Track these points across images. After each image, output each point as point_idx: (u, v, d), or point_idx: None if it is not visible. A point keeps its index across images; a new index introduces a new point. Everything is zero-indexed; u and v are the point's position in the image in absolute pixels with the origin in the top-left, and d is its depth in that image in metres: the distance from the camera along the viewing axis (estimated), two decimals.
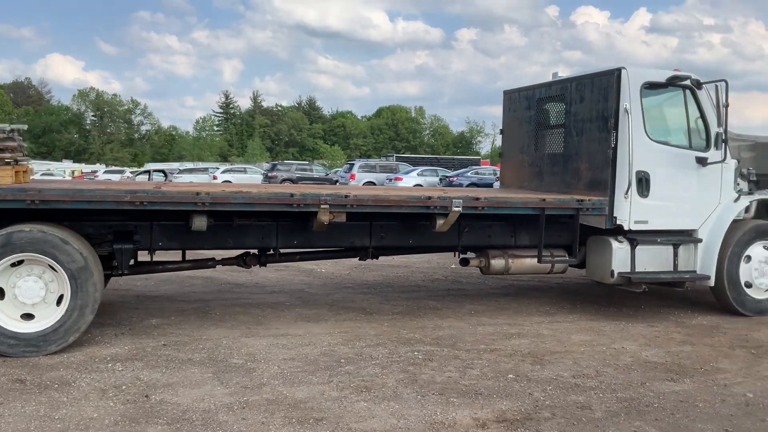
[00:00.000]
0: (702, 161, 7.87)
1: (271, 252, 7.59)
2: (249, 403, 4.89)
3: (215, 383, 5.32)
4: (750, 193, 8.41)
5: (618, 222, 7.68)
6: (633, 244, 7.76)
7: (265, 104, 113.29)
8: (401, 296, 8.95)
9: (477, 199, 7.11)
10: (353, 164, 36.66)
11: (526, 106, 9.20)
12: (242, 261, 7.57)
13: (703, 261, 7.97)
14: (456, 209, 6.99)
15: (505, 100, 9.75)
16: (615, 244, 7.74)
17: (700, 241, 7.96)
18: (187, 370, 5.61)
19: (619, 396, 5.25)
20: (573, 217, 7.65)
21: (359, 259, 8.01)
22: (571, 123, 8.27)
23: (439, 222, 7.15)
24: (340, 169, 43.98)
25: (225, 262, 7.57)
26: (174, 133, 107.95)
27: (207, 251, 7.61)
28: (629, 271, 7.76)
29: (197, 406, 4.82)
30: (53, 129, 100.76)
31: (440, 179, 32.54)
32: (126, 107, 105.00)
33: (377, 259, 8.16)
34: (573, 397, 5.22)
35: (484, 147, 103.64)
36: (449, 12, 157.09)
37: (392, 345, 6.52)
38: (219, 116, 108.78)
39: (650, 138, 7.77)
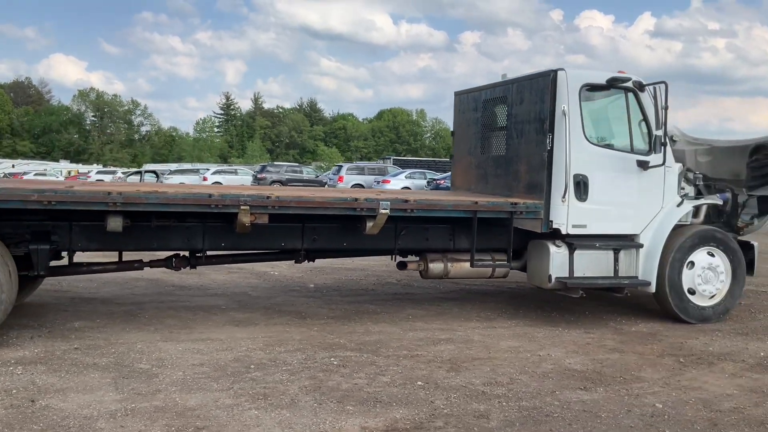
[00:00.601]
0: (643, 165, 7.71)
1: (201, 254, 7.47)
2: (135, 410, 4.76)
3: (110, 389, 5.18)
4: (696, 197, 8.26)
5: (555, 226, 7.54)
6: (571, 248, 7.60)
7: (266, 106, 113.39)
8: (345, 300, 8.80)
9: (406, 201, 6.97)
10: (341, 167, 36.57)
11: (474, 107, 9.07)
12: (171, 263, 7.44)
13: (645, 267, 7.81)
14: (383, 211, 6.85)
15: (455, 102, 9.61)
16: (552, 248, 7.58)
17: (642, 246, 7.80)
18: (87, 375, 5.48)
19: (522, 405, 5.10)
20: (507, 221, 7.49)
21: (294, 262, 7.87)
22: (512, 125, 8.13)
23: (369, 224, 7.01)
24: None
25: (153, 264, 7.44)
26: (174, 134, 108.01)
27: (137, 253, 7.48)
28: (567, 276, 7.61)
29: (80, 413, 4.68)
30: (53, 129, 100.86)
31: (428, 182, 32.35)
32: (126, 108, 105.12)
33: (313, 261, 8.03)
34: (475, 405, 5.07)
35: None
36: (452, 15, 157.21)
37: (312, 350, 6.38)
38: (219, 117, 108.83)
39: (589, 141, 7.63)
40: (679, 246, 7.84)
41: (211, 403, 4.95)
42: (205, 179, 38.06)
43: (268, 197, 6.53)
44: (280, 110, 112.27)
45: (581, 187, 7.55)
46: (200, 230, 7.05)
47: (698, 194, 8.88)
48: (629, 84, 7.68)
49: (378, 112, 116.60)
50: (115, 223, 6.35)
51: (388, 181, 31.49)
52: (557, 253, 7.59)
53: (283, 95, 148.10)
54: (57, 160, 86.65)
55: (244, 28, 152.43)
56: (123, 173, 45.57)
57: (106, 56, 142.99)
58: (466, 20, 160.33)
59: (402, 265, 7.95)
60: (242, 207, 6.44)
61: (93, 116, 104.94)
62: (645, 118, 7.82)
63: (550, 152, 7.46)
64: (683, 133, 10.05)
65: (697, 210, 8.49)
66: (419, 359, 6.21)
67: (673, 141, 9.83)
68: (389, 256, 8.14)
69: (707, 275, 7.93)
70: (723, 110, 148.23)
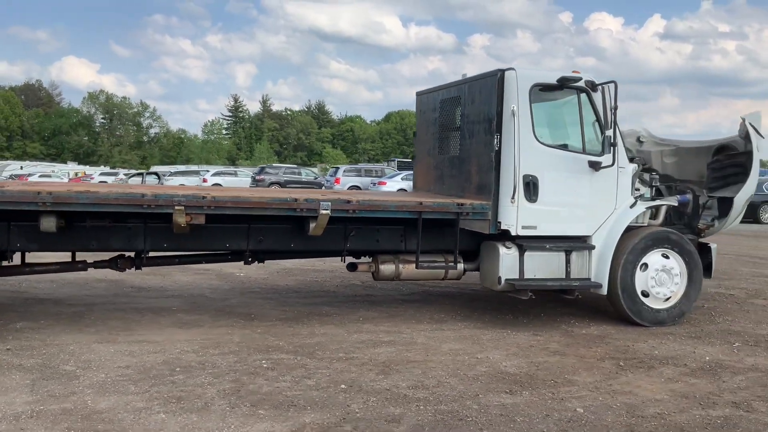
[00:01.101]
0: (595, 165, 7.60)
1: (154, 255, 7.44)
2: (41, 413, 4.71)
3: (25, 391, 5.14)
4: (652, 198, 8.14)
5: (504, 227, 7.44)
6: (522, 250, 7.50)
7: (274, 108, 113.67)
8: (301, 301, 8.74)
9: (348, 202, 6.90)
10: (338, 168, 36.56)
11: (433, 108, 8.98)
12: (115, 264, 7.40)
13: (597, 269, 7.70)
14: (324, 212, 6.78)
15: (417, 102, 9.54)
16: (502, 249, 7.49)
17: (594, 247, 7.68)
18: (8, 377, 5.44)
19: (439, 409, 5.01)
20: (454, 222, 7.40)
21: (244, 263, 7.82)
22: (465, 125, 8.05)
23: (311, 225, 6.95)
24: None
25: (97, 265, 7.40)
26: (182, 136, 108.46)
27: (84, 253, 7.45)
28: (517, 277, 7.51)
29: None
30: (63, 131, 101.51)
31: None
32: (135, 110, 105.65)
33: (262, 262, 7.98)
34: (391, 409, 4.99)
35: None
36: (462, 17, 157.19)
37: (247, 353, 6.32)
38: (228, 120, 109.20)
39: (540, 141, 7.53)
40: (631, 248, 7.72)
41: (121, 406, 4.90)
42: (204, 181, 38.14)
43: (203, 197, 6.47)
44: (288, 112, 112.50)
45: (531, 187, 7.45)
46: (141, 231, 7.00)
47: (658, 195, 8.77)
48: (581, 84, 7.56)
49: (386, 114, 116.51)
50: (48, 223, 6.32)
51: (384, 183, 31.41)
52: (507, 255, 7.49)
53: (293, 97, 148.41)
54: (66, 162, 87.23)
55: (254, 30, 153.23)
56: (125, 174, 45.70)
57: (118, 59, 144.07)
58: (476, 22, 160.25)
59: (352, 267, 7.87)
60: (177, 207, 6.39)
61: (102, 118, 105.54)
62: (597, 118, 7.70)
63: (498, 153, 7.37)
64: (651, 134, 9.94)
65: (656, 211, 8.37)
66: (353, 362, 6.13)
67: (640, 142, 9.80)
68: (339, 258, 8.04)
69: (661, 277, 7.80)
70: (734, 112, 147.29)
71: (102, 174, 49.20)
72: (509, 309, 8.48)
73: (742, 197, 8.33)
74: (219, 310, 8.10)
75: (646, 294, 7.78)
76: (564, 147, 7.77)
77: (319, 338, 6.92)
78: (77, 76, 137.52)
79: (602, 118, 7.63)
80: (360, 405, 5.05)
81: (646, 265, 7.77)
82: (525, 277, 7.53)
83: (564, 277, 7.65)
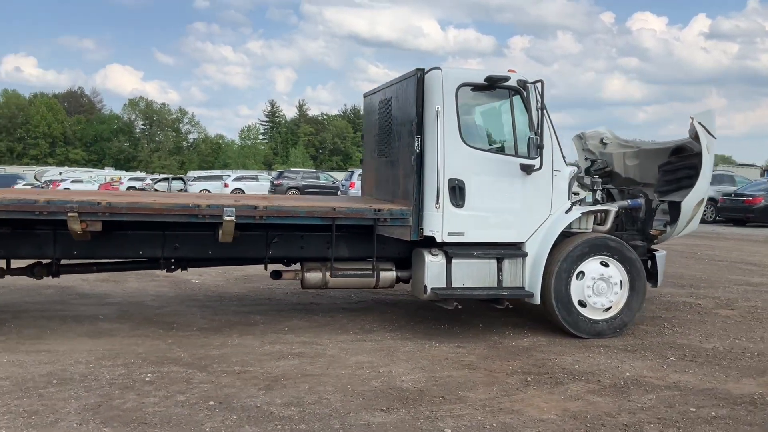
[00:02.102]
0: (527, 168, 7.21)
1: (69, 262, 7.31)
2: None
3: None
4: (592, 203, 7.72)
5: (429, 233, 7.12)
6: (449, 257, 7.16)
7: (310, 113, 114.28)
8: (238, 309, 8.51)
9: (255, 207, 6.65)
10: (353, 173, 36.39)
11: (373, 109, 8.69)
12: (31, 272, 7.28)
13: (531, 277, 7.31)
14: (228, 218, 6.55)
15: (363, 104, 9.26)
16: (428, 257, 7.15)
17: (526, 255, 7.30)
18: None
19: (297, 428, 4.73)
20: (372, 228, 7.10)
21: (166, 271, 7.64)
22: (394, 127, 7.75)
23: (220, 232, 6.73)
24: None
25: (13, 272, 7.30)
26: (220, 141, 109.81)
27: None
28: (444, 286, 7.16)
29: None
30: (104, 137, 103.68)
31: None
32: (174, 116, 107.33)
33: (185, 270, 7.78)
34: (245, 428, 4.72)
35: None
36: (501, 20, 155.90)
37: (140, 365, 6.10)
38: (265, 125, 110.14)
39: (467, 143, 7.18)
40: (566, 255, 7.31)
41: None
42: (226, 186, 38.34)
43: (98, 204, 6.29)
44: (325, 117, 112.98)
45: (457, 192, 7.11)
46: (51, 238, 6.87)
47: (610, 198, 8.35)
48: (511, 83, 7.19)
49: None
50: None
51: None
52: (433, 263, 7.15)
53: (332, 102, 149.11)
54: (109, 167, 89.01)
55: (294, 36, 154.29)
56: (152, 180, 46.29)
57: (161, 66, 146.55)
58: (515, 24, 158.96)
59: (276, 275, 7.62)
60: (70, 214, 6.22)
61: (142, 125, 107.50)
62: (530, 119, 7.32)
63: (420, 156, 7.04)
64: (615, 135, 9.48)
65: (605, 217, 7.94)
66: (243, 376, 5.87)
67: (603, 144, 9.36)
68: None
69: (599, 286, 7.36)
70: None
71: (131, 179, 49.91)
72: (449, 318, 8.12)
73: (690, 201, 7.83)
74: (146, 318, 7.92)
75: (583, 304, 7.36)
76: (495, 149, 7.41)
77: (227, 350, 6.68)
78: (121, 84, 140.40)
79: (535, 119, 7.25)
80: (215, 424, 4.79)
81: (582, 274, 7.35)
82: (452, 285, 7.19)
83: (496, 285, 7.28)
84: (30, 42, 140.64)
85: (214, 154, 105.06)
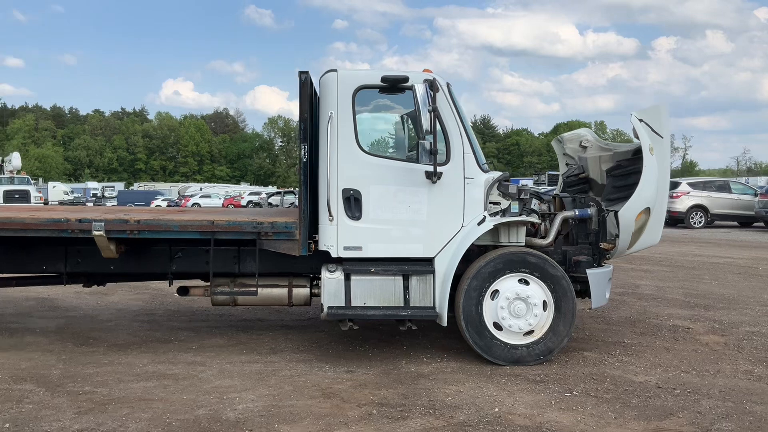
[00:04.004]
0: (432, 177, 6.53)
1: None
2: None
3: None
4: (518, 213, 6.86)
5: (323, 248, 6.62)
6: (347, 274, 6.62)
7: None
8: (174, 326, 8.34)
9: (126, 221, 6.45)
10: None
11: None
12: None
13: (441, 296, 6.60)
14: (97, 233, 6.38)
15: None
16: (325, 273, 6.65)
17: (433, 272, 6.62)
18: None
19: None
20: (256, 243, 6.69)
21: (83, 286, 7.62)
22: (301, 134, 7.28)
23: (108, 247, 6.60)
24: None
25: None
26: None
27: None
28: (343, 305, 6.63)
29: None
30: (246, 155, 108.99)
31: None
32: None
33: (102, 285, 7.73)
34: None
35: (675, 161, 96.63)
36: (643, 21, 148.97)
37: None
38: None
39: (365, 150, 6.63)
40: (476, 272, 6.55)
41: None
42: None
43: None
44: None
45: (352, 203, 6.57)
46: None
47: (561, 207, 7.45)
48: (410, 83, 6.53)
49: (554, 126, 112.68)
50: None
51: None
52: (330, 279, 6.64)
53: (467, 114, 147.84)
54: (251, 184, 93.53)
55: (428, 51, 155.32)
56: (266, 194, 47.82)
57: None
58: (659, 25, 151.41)
59: (182, 291, 7.36)
60: None
61: (281, 142, 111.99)
62: (441, 123, 6.65)
63: (307, 164, 6.55)
64: (597, 138, 8.49)
65: (548, 228, 7.09)
66: (82, 397, 5.62)
67: (583, 147, 8.46)
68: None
69: (517, 307, 6.53)
70: None
71: (251, 194, 51.95)
72: (376, 339, 7.53)
73: (629, 212, 6.78)
74: (75, 333, 7.90)
75: (499, 327, 6.56)
76: (396, 156, 6.80)
77: (107, 368, 6.49)
78: (268, 104, 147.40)
79: (447, 123, 6.60)
80: None
81: (496, 292, 6.56)
82: (352, 304, 6.63)
83: (401, 305, 6.65)
84: (186, 67, 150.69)
85: None
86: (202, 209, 10.06)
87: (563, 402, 5.53)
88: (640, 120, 6.82)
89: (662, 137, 6.86)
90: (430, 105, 6.25)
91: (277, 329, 8.17)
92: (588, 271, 6.76)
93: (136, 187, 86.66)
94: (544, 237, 7.09)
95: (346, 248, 6.61)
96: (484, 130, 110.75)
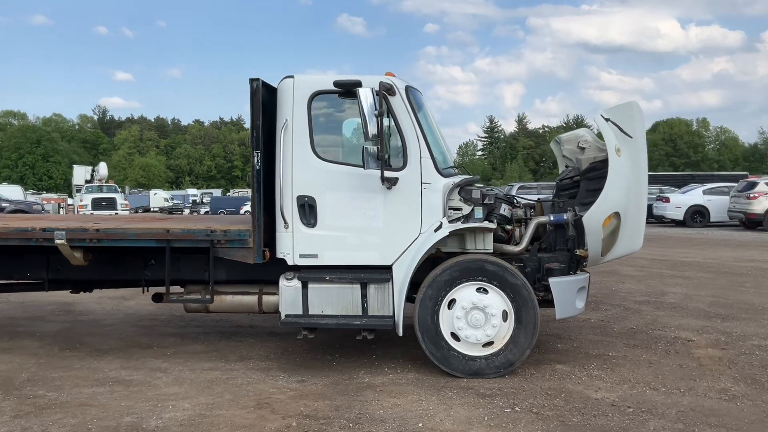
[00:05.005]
0: (388, 182, 6.37)
1: None
2: None
3: None
4: (481, 219, 6.58)
5: (280, 255, 6.57)
6: (304, 282, 6.55)
7: (530, 126, 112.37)
8: (166, 331, 8.48)
9: (85, 230, 6.60)
10: (512, 186, 34.72)
11: None
12: None
13: (398, 304, 6.43)
14: (59, 241, 6.57)
15: None
16: (282, 282, 6.61)
17: (389, 280, 6.44)
18: None
19: None
20: (209, 251, 6.70)
21: (70, 292, 7.87)
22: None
23: (72, 255, 6.79)
24: None
25: None
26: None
27: None
28: (301, 314, 6.56)
29: None
30: None
31: None
32: None
33: (90, 291, 7.96)
34: None
35: None
36: (749, 13, 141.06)
37: None
38: (483, 141, 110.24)
39: (320, 157, 6.54)
40: (432, 280, 6.34)
41: None
42: None
43: None
44: (546, 129, 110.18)
45: (307, 210, 6.49)
46: None
47: (541, 213, 7.10)
48: (375, 87, 6.34)
49: (653, 124, 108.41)
50: None
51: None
52: (287, 287, 6.59)
53: (561, 113, 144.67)
54: None
55: (521, 50, 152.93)
56: None
57: None
58: (767, 16, 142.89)
59: (157, 297, 7.46)
60: None
61: None
62: (397, 127, 6.49)
63: (260, 172, 6.50)
64: (596, 139, 8.06)
65: (522, 234, 6.81)
66: (28, 401, 5.74)
67: (581, 149, 8.09)
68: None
69: (475, 318, 6.27)
70: None
71: None
72: (356, 347, 7.40)
73: (593, 217, 6.38)
74: (69, 337, 8.16)
75: (457, 337, 6.32)
76: (346, 162, 6.66)
77: (73, 372, 6.65)
78: None
79: (404, 127, 6.44)
80: None
81: (453, 301, 6.32)
82: (309, 312, 6.56)
83: (360, 314, 6.52)
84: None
85: None
86: (163, 216, 10.20)
87: (497, 419, 5.25)
88: (607, 119, 6.41)
89: (631, 137, 6.43)
90: (376, 110, 6.09)
91: (261, 336, 8.17)
92: (550, 279, 6.41)
93: (232, 193, 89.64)
94: (517, 244, 6.78)
95: (302, 256, 6.54)
96: None
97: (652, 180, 41.02)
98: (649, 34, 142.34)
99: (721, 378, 6.24)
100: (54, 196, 46.48)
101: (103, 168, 39.78)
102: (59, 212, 37.41)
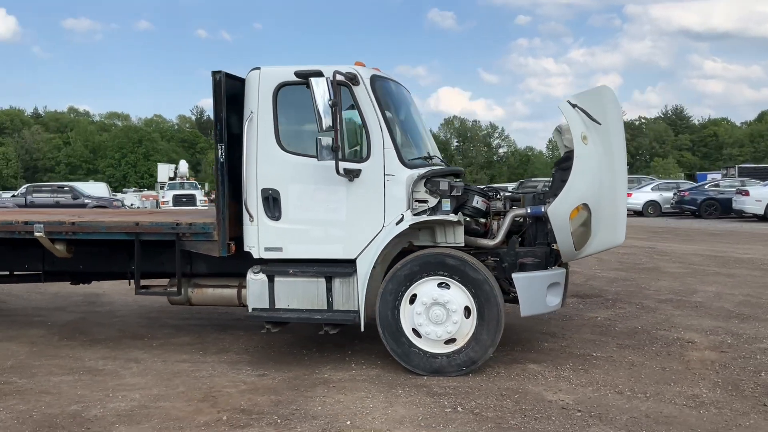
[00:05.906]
0: (349, 174, 6.24)
1: None
2: None
3: None
4: (447, 212, 6.33)
5: (247, 249, 6.56)
6: (270, 275, 6.52)
7: (626, 118, 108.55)
8: (168, 323, 8.63)
9: (61, 223, 6.79)
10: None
11: None
12: None
13: (361, 298, 6.30)
14: (38, 234, 6.79)
15: None
16: (249, 275, 6.60)
17: (352, 274, 6.32)
18: None
19: None
20: (176, 244, 6.74)
21: (71, 283, 8.12)
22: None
23: (53, 247, 7.01)
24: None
25: None
26: (529, 153, 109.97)
27: None
28: (267, 307, 6.54)
29: None
30: None
31: (674, 194, 28.08)
32: (485, 132, 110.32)
33: (88, 283, 8.19)
34: None
35: None
36: None
37: None
38: None
39: (285, 149, 6.48)
40: (393, 274, 6.17)
41: None
42: None
43: None
44: (643, 121, 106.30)
45: (271, 203, 6.45)
46: None
47: (518, 205, 6.80)
48: (330, 77, 6.25)
49: (759, 113, 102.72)
50: None
51: (630, 194, 28.08)
52: (254, 281, 6.57)
53: (660, 104, 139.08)
54: None
55: (617, 40, 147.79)
56: None
57: (486, 85, 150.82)
58: None
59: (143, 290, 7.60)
60: None
61: (456, 142, 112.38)
62: (361, 118, 6.36)
63: (224, 165, 6.49)
64: None
65: (497, 228, 6.55)
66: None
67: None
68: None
69: (435, 314, 6.05)
70: None
71: None
72: (337, 342, 7.31)
73: (558, 210, 6.01)
74: (74, 328, 8.41)
75: (419, 333, 6.13)
76: (310, 154, 6.54)
77: (48, 361, 6.81)
78: (451, 104, 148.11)
79: (368, 118, 6.30)
80: None
81: (414, 297, 6.13)
82: (276, 306, 6.52)
83: (325, 308, 6.43)
84: None
85: (523, 166, 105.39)
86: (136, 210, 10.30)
87: (431, 419, 5.04)
88: (574, 105, 6.04)
89: (600, 124, 6.04)
90: (330, 99, 5.97)
91: (252, 330, 8.15)
92: (514, 275, 6.10)
93: None
94: (493, 238, 6.51)
95: (267, 249, 6.50)
96: (676, 121, 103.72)
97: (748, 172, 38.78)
98: (756, 19, 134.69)
99: (699, 383, 5.78)
100: (153, 193, 48.41)
101: (183, 166, 41.18)
102: (156, 208, 38.91)
